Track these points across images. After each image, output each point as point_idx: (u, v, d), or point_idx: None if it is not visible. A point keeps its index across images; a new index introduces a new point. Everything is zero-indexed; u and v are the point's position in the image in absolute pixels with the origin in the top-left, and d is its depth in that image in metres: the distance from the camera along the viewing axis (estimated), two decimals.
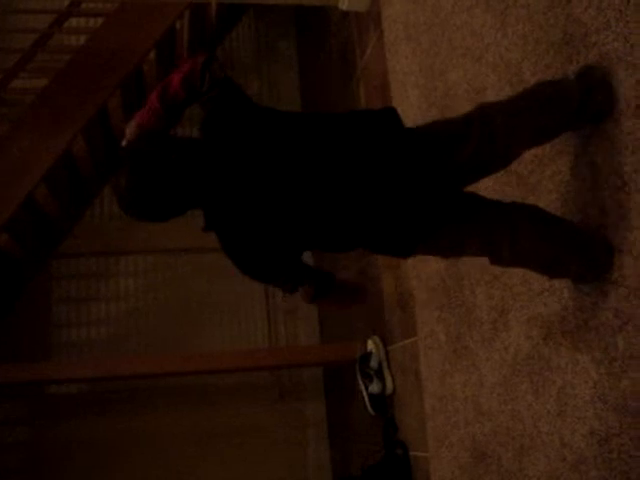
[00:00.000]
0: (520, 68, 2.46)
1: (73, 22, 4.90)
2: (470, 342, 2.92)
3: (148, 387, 5.10)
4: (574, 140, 2.16)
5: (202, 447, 5.15)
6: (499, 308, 2.66)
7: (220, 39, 5.49)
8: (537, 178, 2.37)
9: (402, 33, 3.55)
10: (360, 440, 4.58)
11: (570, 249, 2.00)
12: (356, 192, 1.91)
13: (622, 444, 1.97)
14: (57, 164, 4.14)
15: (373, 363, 3.99)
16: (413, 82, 3.43)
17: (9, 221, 4.06)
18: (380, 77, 3.92)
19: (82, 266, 5.45)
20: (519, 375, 2.53)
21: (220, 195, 1.93)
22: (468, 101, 2.81)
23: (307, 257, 2.08)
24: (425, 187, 1.92)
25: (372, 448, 4.11)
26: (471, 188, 2.07)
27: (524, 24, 2.42)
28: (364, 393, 4.04)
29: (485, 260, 2.04)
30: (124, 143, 2.05)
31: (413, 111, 3.38)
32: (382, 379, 3.96)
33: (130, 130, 2.06)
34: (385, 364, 3.98)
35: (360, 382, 4.07)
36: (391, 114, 1.99)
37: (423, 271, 3.40)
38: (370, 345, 4.11)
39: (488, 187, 2.55)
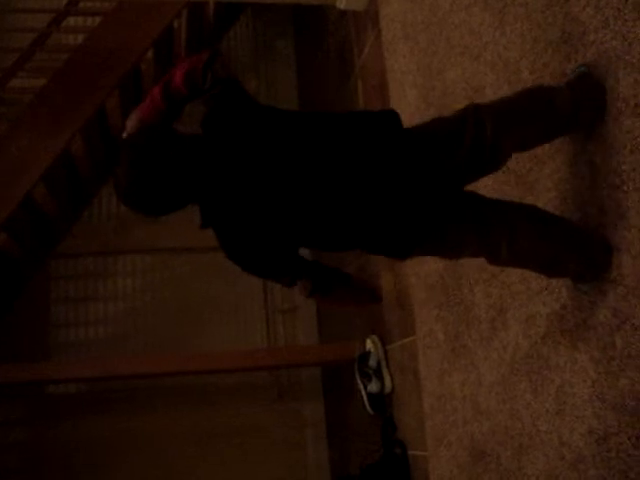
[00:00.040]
0: (518, 67, 2.45)
1: (71, 21, 4.89)
2: (469, 341, 2.92)
3: (147, 387, 5.09)
4: (572, 139, 2.16)
5: (201, 447, 5.14)
6: (497, 307, 2.66)
7: (218, 38, 5.49)
8: (535, 177, 2.37)
9: (400, 32, 3.55)
10: (359, 439, 4.58)
11: (569, 248, 2.00)
12: (354, 192, 1.91)
13: (620, 443, 1.97)
14: (55, 164, 4.14)
15: (372, 362, 3.99)
16: (411, 81, 3.43)
17: (7, 220, 4.06)
18: (378, 76, 3.92)
19: (80, 266, 5.44)
20: (518, 374, 2.53)
21: (219, 191, 1.93)
22: (466, 100, 2.81)
23: (305, 252, 2.08)
24: (423, 188, 1.91)
25: (371, 447, 4.10)
26: (470, 187, 2.07)
27: (522, 23, 2.42)
28: (363, 392, 4.04)
29: (483, 260, 2.04)
30: (124, 135, 2.05)
31: (411, 110, 3.38)
32: (381, 378, 3.96)
33: (131, 123, 2.07)
34: (384, 363, 3.98)
35: (359, 381, 4.07)
36: (390, 116, 1.99)
37: (421, 269, 3.40)
38: (369, 344, 4.11)
39: (487, 186, 2.55)
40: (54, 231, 4.91)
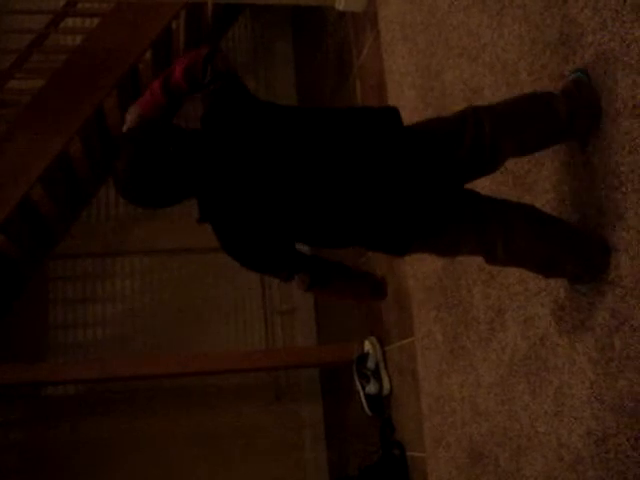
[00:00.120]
0: (516, 68, 2.45)
1: (69, 22, 4.89)
2: (467, 342, 2.92)
3: (146, 388, 5.10)
4: (571, 140, 2.16)
5: (200, 448, 5.14)
6: (496, 308, 2.66)
7: (216, 39, 5.48)
8: (534, 178, 2.37)
9: (399, 33, 3.55)
10: (357, 441, 4.58)
11: (566, 249, 2.00)
12: (353, 187, 1.91)
13: (619, 444, 1.97)
14: (54, 164, 4.14)
15: (370, 364, 3.99)
16: (410, 82, 3.43)
17: (5, 222, 4.06)
18: (376, 77, 3.92)
19: (79, 267, 5.44)
20: (516, 375, 2.53)
21: (217, 185, 1.94)
22: (465, 101, 2.81)
23: (304, 249, 2.08)
24: (423, 184, 1.92)
25: (369, 449, 4.10)
26: (468, 187, 2.07)
27: (520, 24, 2.42)
28: (361, 394, 4.04)
29: (481, 259, 2.04)
30: (124, 129, 2.06)
31: (410, 111, 3.38)
32: (379, 380, 3.96)
33: (131, 117, 2.08)
34: (382, 365, 3.97)
35: (357, 383, 4.07)
36: (391, 112, 2.00)
37: (420, 271, 3.40)
38: (367, 346, 4.11)
39: (485, 187, 2.54)
40: (53, 232, 4.91)
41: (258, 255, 2.01)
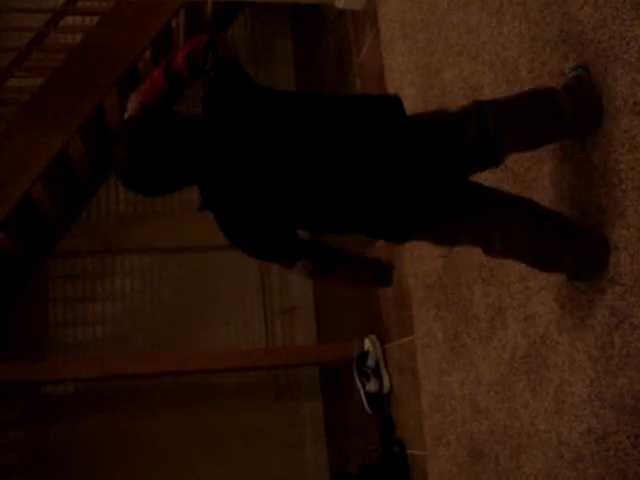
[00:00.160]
0: (516, 66, 2.45)
1: (69, 20, 4.88)
2: (467, 340, 2.92)
3: (146, 387, 5.09)
4: (571, 138, 2.15)
5: (200, 447, 5.14)
6: (496, 306, 2.66)
7: (219, 31, 5.48)
8: (534, 176, 2.37)
9: (398, 31, 3.54)
10: (357, 439, 4.58)
11: (563, 243, 2.00)
12: (354, 174, 1.91)
13: (619, 442, 1.97)
14: (53, 163, 4.13)
15: (370, 362, 3.99)
16: (409, 80, 3.43)
17: (5, 220, 4.05)
18: (376, 75, 3.92)
19: (79, 265, 5.43)
20: (516, 373, 2.53)
21: (219, 172, 1.94)
22: (465, 99, 2.81)
23: (306, 236, 2.08)
24: (425, 174, 1.92)
25: (369, 447, 4.10)
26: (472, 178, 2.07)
27: (520, 22, 2.42)
28: (361, 392, 4.04)
29: (481, 256, 2.04)
30: (126, 116, 2.07)
31: (410, 109, 3.37)
32: (379, 378, 3.96)
33: (132, 105, 2.09)
34: (382, 363, 3.97)
35: (357, 381, 4.06)
36: (394, 101, 2.00)
37: (420, 269, 3.40)
38: (367, 344, 4.11)
39: (485, 183, 2.54)
40: (52, 230, 4.90)
41: (260, 241, 2.01)
